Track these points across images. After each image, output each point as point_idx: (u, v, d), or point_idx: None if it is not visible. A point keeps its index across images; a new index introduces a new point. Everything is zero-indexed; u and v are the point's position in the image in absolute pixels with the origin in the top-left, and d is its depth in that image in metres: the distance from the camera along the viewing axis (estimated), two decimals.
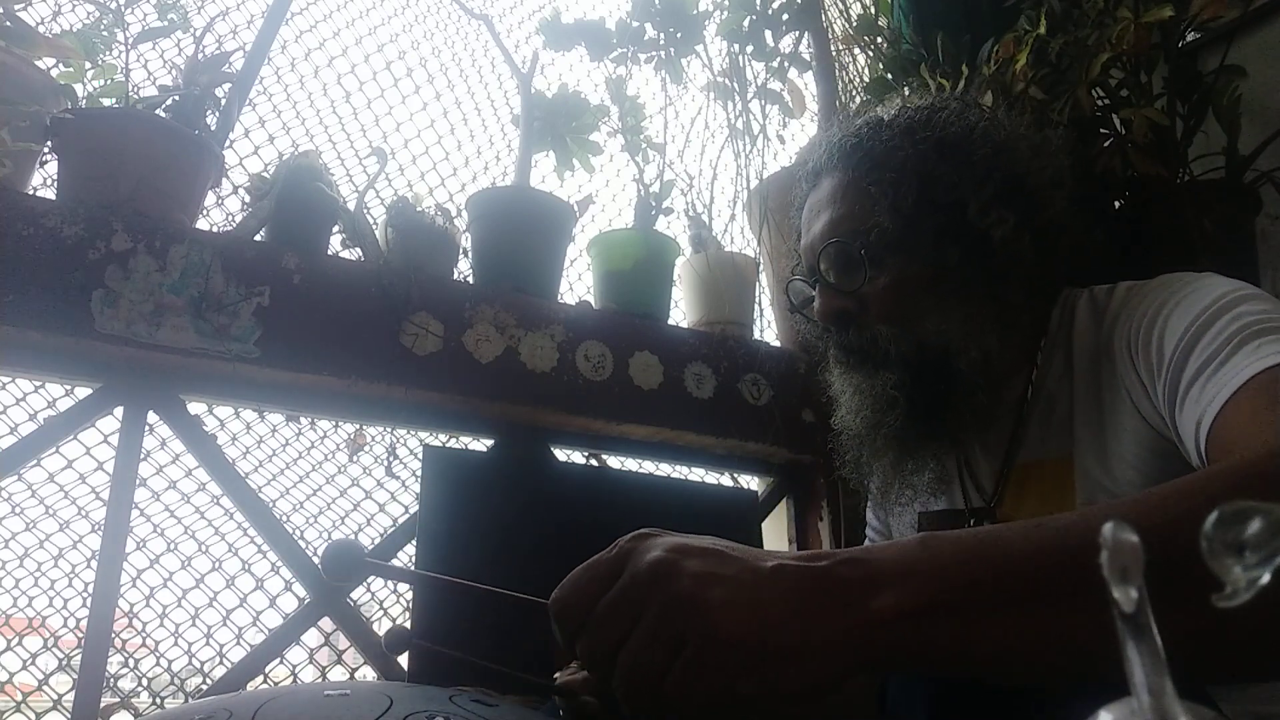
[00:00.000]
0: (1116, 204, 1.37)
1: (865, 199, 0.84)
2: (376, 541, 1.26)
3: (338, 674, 1.23)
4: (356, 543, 0.52)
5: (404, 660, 1.16)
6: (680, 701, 0.47)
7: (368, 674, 1.20)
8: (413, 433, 1.35)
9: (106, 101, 1.19)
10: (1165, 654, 0.22)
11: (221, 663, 1.14)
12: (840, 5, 1.85)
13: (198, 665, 1.13)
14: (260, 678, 1.14)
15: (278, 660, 1.15)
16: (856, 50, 1.82)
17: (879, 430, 0.85)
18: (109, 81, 1.19)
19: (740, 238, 1.72)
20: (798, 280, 0.93)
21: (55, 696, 1.03)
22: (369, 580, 1.25)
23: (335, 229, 1.28)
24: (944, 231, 0.81)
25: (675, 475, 1.52)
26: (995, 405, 0.86)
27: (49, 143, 1.11)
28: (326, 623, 1.21)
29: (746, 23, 1.67)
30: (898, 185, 0.82)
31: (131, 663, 1.09)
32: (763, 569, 0.49)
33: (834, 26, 1.82)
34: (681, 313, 1.61)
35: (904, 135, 0.84)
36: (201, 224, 1.21)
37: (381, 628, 1.26)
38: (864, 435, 0.87)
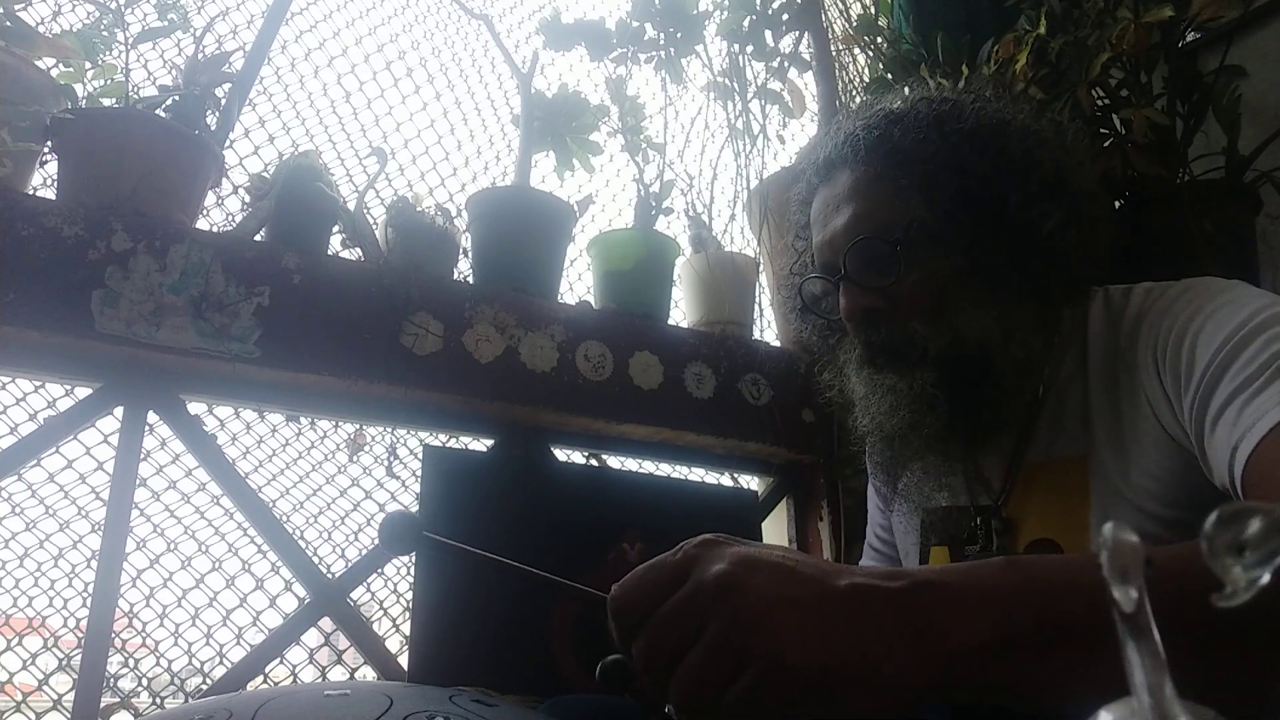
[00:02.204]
0: (1116, 204, 1.37)
1: (894, 193, 0.80)
2: (376, 542, 1.26)
3: (338, 674, 1.23)
4: (414, 515, 0.51)
5: (403, 660, 1.16)
6: (737, 718, 0.46)
7: (368, 674, 1.20)
8: (413, 433, 1.35)
9: (106, 101, 1.19)
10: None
11: (221, 663, 1.14)
12: (840, 5, 1.85)
13: (198, 665, 1.13)
14: (260, 678, 1.14)
15: (278, 660, 1.15)
16: (856, 50, 1.82)
17: (917, 431, 0.81)
18: (109, 81, 1.19)
19: (740, 238, 1.72)
20: (814, 277, 0.89)
21: (55, 696, 1.03)
22: (368, 581, 1.25)
23: (335, 229, 1.28)
24: (982, 226, 0.77)
25: (675, 475, 1.52)
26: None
27: (49, 143, 1.11)
28: (326, 623, 1.21)
29: (746, 23, 1.67)
30: (933, 179, 0.78)
31: (131, 663, 1.09)
32: (837, 589, 0.48)
33: (834, 26, 1.82)
34: (681, 313, 1.61)
35: (932, 127, 0.81)
36: (201, 224, 1.21)
37: (381, 628, 1.26)
38: (900, 436, 0.83)
